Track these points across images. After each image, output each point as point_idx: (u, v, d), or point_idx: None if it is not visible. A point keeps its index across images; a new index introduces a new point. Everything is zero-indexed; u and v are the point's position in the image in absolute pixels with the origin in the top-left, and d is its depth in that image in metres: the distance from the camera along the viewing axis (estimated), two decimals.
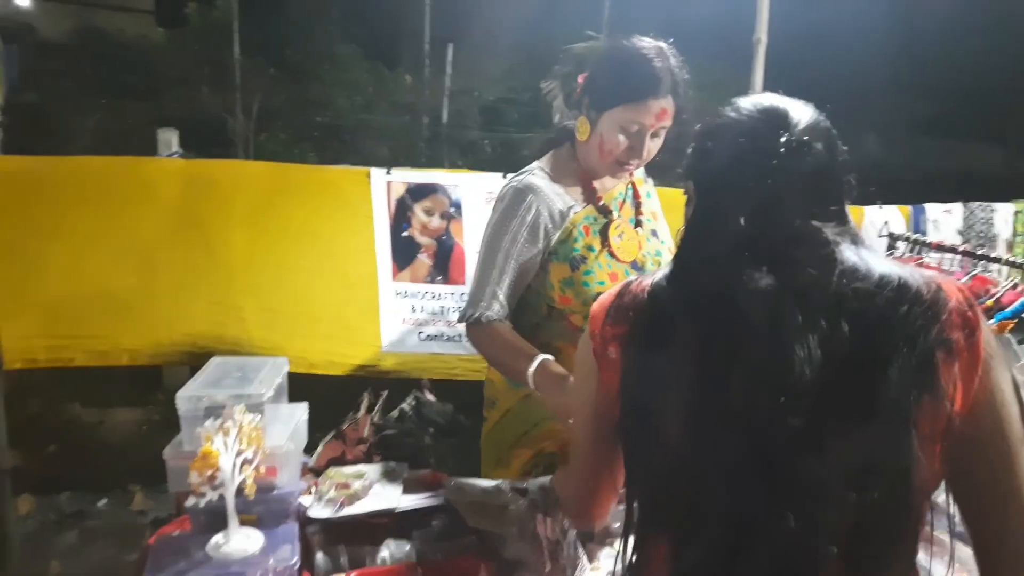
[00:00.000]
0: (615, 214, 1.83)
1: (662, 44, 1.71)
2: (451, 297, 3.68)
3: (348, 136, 7.15)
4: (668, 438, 0.90)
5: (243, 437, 1.35)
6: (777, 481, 0.84)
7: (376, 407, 3.02)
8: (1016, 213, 4.57)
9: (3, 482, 2.90)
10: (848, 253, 0.89)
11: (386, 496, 1.68)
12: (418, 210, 3.58)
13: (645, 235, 1.88)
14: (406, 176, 3.54)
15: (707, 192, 0.96)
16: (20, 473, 3.21)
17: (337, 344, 3.41)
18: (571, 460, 1.15)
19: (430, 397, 2.67)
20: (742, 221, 0.88)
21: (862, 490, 0.84)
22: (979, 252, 3.18)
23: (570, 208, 1.78)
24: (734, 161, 0.92)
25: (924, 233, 4.13)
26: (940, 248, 3.53)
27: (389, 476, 1.77)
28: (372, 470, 1.80)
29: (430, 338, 3.61)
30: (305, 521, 1.59)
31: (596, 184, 1.83)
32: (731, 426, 0.85)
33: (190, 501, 1.41)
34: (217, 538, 1.41)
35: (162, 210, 3.19)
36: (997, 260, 3.05)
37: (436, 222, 3.61)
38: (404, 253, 3.57)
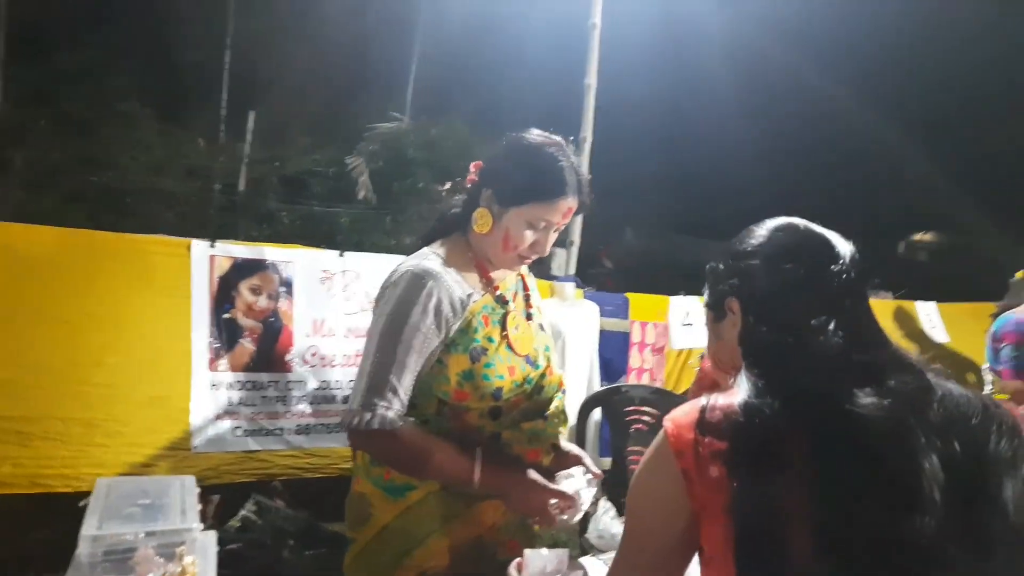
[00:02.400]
0: (511, 305, 1.74)
1: (561, 140, 1.68)
2: (274, 387, 3.32)
3: (130, 199, 6.41)
4: (791, 556, 0.88)
5: None
6: None
7: (209, 515, 2.49)
8: None
9: None
10: (934, 377, 0.93)
11: None
12: (244, 289, 3.19)
13: (535, 328, 1.80)
14: (233, 250, 3.15)
15: (778, 314, 0.98)
16: None
17: (143, 448, 2.87)
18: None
19: (277, 502, 2.24)
20: (841, 342, 0.91)
21: None
22: None
23: (469, 296, 1.66)
24: (808, 288, 0.96)
25: None
26: None
27: None
28: None
29: (247, 433, 3.16)
30: None
31: (492, 274, 1.73)
32: (860, 545, 0.85)
33: None
34: None
35: None
36: None
37: (263, 302, 3.24)
38: (224, 338, 3.15)
